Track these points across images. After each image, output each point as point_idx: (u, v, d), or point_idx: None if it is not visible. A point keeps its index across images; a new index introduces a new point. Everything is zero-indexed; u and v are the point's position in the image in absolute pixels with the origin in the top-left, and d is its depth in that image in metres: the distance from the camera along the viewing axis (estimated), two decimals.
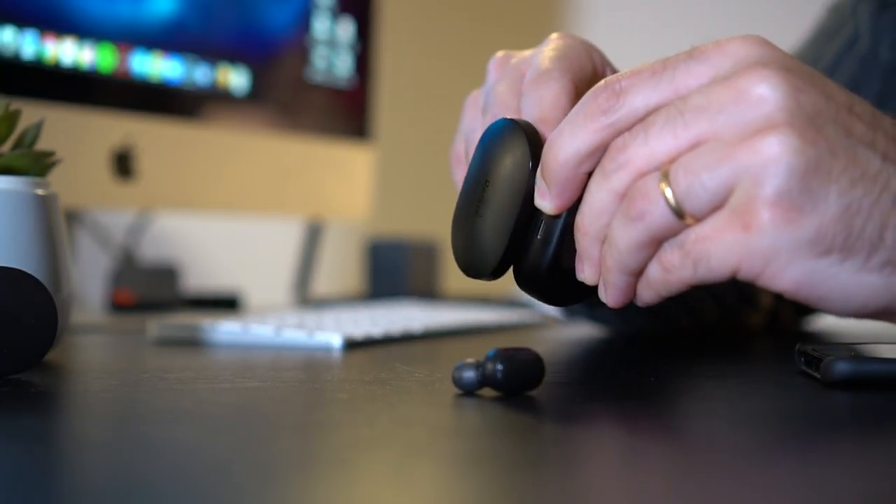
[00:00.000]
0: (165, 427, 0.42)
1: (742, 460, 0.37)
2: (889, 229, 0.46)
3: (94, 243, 1.22)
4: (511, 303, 1.15)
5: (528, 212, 0.52)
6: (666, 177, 0.47)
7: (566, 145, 0.50)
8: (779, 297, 0.86)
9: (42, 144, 0.60)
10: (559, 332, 0.87)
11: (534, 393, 0.48)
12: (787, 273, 0.46)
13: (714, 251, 0.47)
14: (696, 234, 0.47)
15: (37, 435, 0.41)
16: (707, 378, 0.61)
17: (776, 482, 0.34)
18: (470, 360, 0.48)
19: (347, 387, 0.52)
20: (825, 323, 0.96)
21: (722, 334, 0.82)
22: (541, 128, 0.54)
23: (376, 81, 1.27)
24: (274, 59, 1.13)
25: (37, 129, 0.60)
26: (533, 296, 0.55)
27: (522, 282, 0.54)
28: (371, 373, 0.58)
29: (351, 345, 0.69)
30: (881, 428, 0.44)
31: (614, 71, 0.58)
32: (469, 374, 0.48)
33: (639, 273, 0.49)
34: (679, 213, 0.47)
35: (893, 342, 0.57)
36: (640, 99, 0.49)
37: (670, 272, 0.48)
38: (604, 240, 0.49)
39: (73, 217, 1.10)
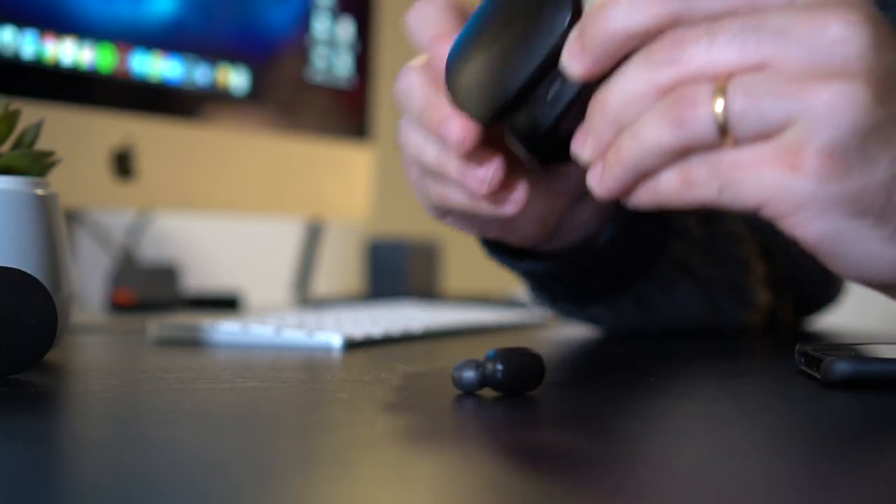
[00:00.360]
0: (165, 427, 0.42)
1: (742, 460, 0.37)
2: None
3: (93, 243, 1.22)
4: (511, 303, 1.15)
5: (547, 66, 0.50)
6: (721, 91, 0.45)
7: (620, 17, 0.47)
8: (777, 297, 0.86)
9: (42, 144, 0.60)
10: (559, 332, 0.87)
11: (534, 393, 0.48)
12: (815, 223, 0.46)
13: (748, 181, 0.45)
14: (733, 160, 0.46)
15: (37, 435, 0.41)
16: (707, 378, 0.61)
17: (776, 482, 0.34)
18: (470, 360, 0.48)
19: (347, 387, 0.52)
20: (825, 323, 0.96)
21: (722, 334, 0.82)
22: (436, 42, 0.55)
23: (376, 81, 1.27)
24: (274, 59, 1.13)
25: (36, 128, 0.60)
26: (520, 147, 0.54)
27: (515, 133, 0.53)
28: (371, 373, 0.58)
29: (351, 345, 0.69)
30: (881, 428, 0.44)
31: None
32: (469, 374, 0.48)
33: (647, 175, 0.48)
34: (723, 131, 0.45)
35: (893, 342, 0.57)
36: None
37: (690, 187, 0.47)
38: (622, 127, 0.47)
39: (72, 217, 1.10)
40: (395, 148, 0.59)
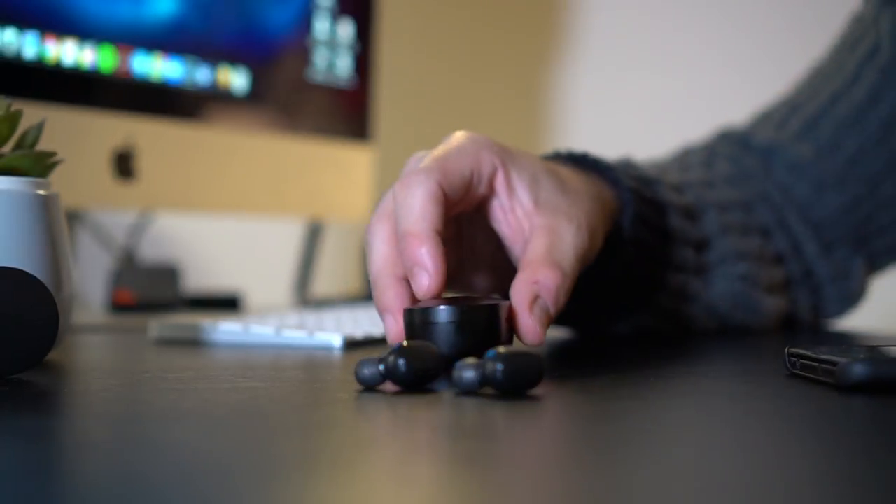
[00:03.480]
0: (166, 427, 0.42)
1: (743, 461, 0.37)
2: None
3: (94, 243, 1.22)
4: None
5: None
6: None
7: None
8: (793, 299, 0.86)
9: (43, 145, 0.60)
10: (559, 333, 0.87)
11: (534, 393, 0.48)
12: None
13: None
14: None
15: (37, 435, 0.41)
16: (708, 378, 0.61)
17: (777, 482, 0.34)
18: (470, 360, 0.48)
19: (347, 387, 0.52)
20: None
21: (722, 335, 0.82)
22: (409, 241, 0.56)
23: (376, 81, 1.27)
24: (274, 59, 1.13)
25: (38, 129, 0.60)
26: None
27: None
28: None
29: (351, 345, 0.69)
30: (887, 430, 0.44)
31: (513, 164, 0.62)
32: (469, 374, 0.48)
33: None
34: None
35: (892, 344, 0.57)
36: None
37: None
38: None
39: (74, 217, 1.10)
40: (396, 148, 0.60)
